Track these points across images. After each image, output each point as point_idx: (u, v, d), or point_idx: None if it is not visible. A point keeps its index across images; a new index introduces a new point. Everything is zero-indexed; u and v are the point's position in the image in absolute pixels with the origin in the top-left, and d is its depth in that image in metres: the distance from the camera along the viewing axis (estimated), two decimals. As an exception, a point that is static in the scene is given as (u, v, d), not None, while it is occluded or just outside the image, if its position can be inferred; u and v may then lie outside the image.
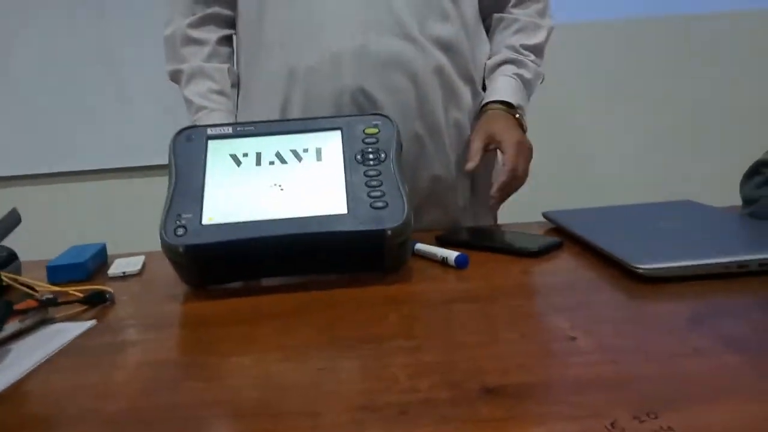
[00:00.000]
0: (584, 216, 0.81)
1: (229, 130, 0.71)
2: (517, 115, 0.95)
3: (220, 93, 0.97)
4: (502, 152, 0.90)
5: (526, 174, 0.89)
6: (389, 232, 0.62)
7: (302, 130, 0.71)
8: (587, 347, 0.45)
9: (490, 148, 0.91)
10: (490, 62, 0.99)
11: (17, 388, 0.45)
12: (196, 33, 0.98)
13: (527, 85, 0.98)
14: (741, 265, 0.57)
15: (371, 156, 0.68)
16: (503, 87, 0.96)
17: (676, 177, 1.99)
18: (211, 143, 0.69)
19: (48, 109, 1.96)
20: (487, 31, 1.03)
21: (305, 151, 0.69)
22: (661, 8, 2.00)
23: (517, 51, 0.99)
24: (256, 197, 0.65)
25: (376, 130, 0.70)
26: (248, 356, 0.48)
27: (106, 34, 1.95)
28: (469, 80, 0.97)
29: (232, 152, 0.69)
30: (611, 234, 0.71)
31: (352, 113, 0.86)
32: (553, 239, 0.74)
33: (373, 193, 0.65)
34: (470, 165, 0.88)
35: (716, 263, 0.57)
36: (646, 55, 2.04)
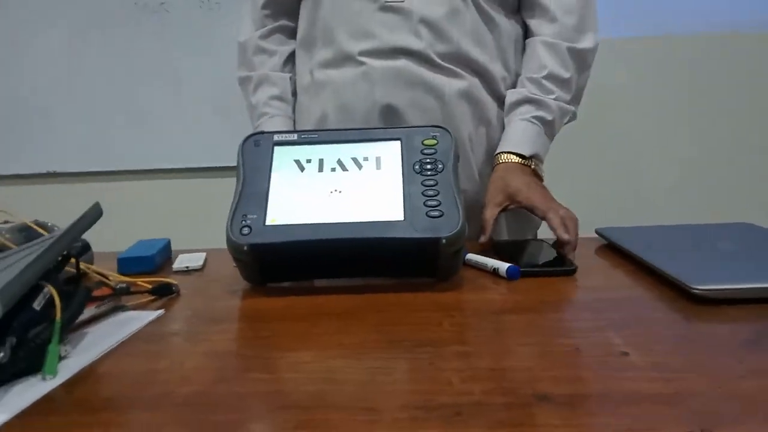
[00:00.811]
0: (639, 234, 0.80)
1: (294, 137, 0.74)
2: (533, 165, 0.90)
3: (281, 99, 1.04)
4: (541, 218, 0.85)
5: (573, 218, 0.81)
6: (444, 241, 0.63)
7: (363, 140, 0.73)
8: (640, 363, 0.45)
9: (510, 208, 0.87)
10: (509, 98, 0.95)
11: (94, 369, 0.48)
12: (265, 43, 1.05)
13: (549, 128, 0.93)
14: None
15: (429, 166, 0.70)
16: (519, 134, 0.91)
17: (735, 199, 1.94)
18: (276, 149, 0.72)
19: (117, 116, 2.12)
20: None
21: (365, 159, 0.71)
22: (719, 26, 1.96)
23: (539, 85, 0.93)
24: (317, 201, 0.68)
25: (434, 142, 0.72)
26: (306, 352, 0.50)
27: (167, 46, 2.08)
28: (498, 98, 0.97)
29: (297, 158, 0.72)
30: (666, 253, 0.70)
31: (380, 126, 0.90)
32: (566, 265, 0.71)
33: (429, 203, 0.66)
34: (483, 239, 0.82)
35: (775, 287, 0.56)
36: (709, 70, 2.00)
